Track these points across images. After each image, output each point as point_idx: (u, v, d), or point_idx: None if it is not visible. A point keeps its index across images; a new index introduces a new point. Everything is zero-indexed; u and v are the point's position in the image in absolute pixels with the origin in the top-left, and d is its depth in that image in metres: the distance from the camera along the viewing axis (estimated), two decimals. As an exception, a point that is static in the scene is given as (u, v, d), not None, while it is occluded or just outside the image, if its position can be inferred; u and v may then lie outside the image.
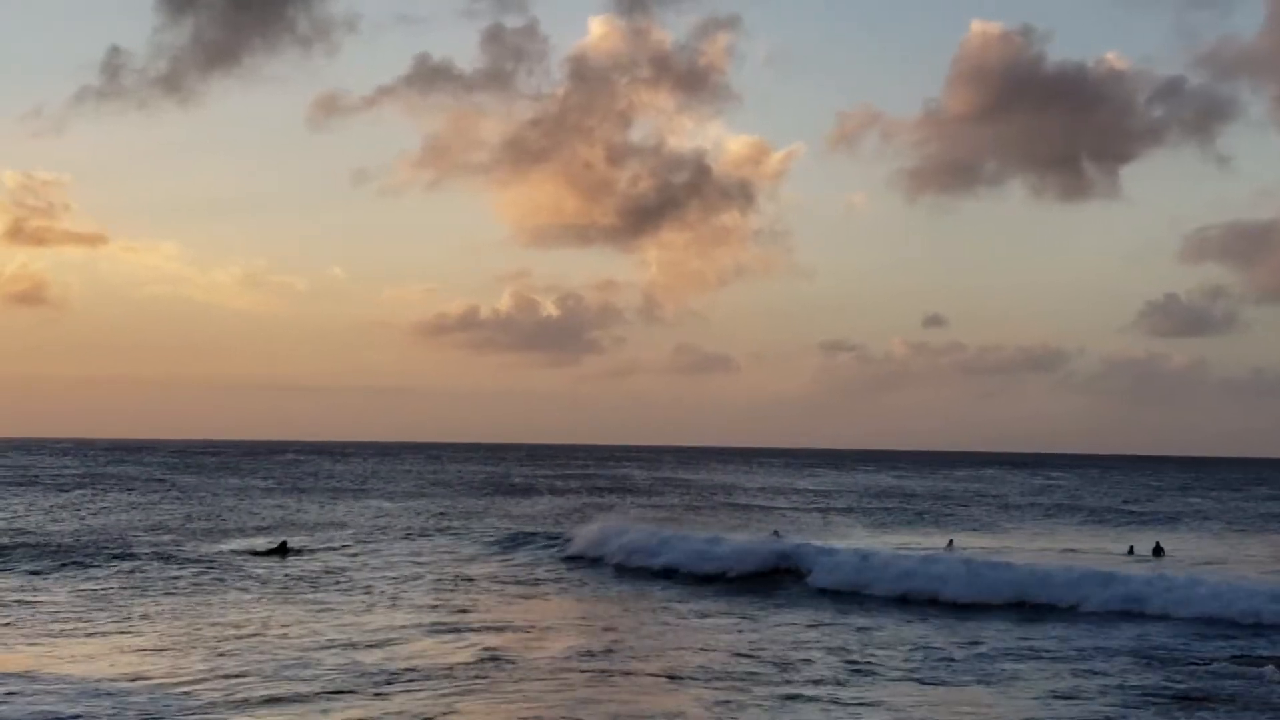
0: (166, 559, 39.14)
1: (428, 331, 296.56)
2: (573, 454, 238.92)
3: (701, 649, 23.86)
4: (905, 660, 23.00)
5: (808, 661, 22.63)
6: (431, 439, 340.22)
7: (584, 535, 39.84)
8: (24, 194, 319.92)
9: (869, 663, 22.55)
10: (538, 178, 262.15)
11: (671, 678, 20.79)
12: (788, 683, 20.47)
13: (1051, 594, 30.82)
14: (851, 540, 51.73)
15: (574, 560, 37.99)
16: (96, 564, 37.69)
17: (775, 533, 52.86)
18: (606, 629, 26.39)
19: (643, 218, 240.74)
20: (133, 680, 19.88)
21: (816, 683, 20.53)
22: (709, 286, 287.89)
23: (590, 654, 22.98)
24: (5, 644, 23.57)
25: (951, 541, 47.10)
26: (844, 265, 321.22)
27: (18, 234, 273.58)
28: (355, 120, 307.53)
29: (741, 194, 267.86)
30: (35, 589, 31.88)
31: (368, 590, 32.83)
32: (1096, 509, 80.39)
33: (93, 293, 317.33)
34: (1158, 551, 46.17)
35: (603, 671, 21.22)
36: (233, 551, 42.11)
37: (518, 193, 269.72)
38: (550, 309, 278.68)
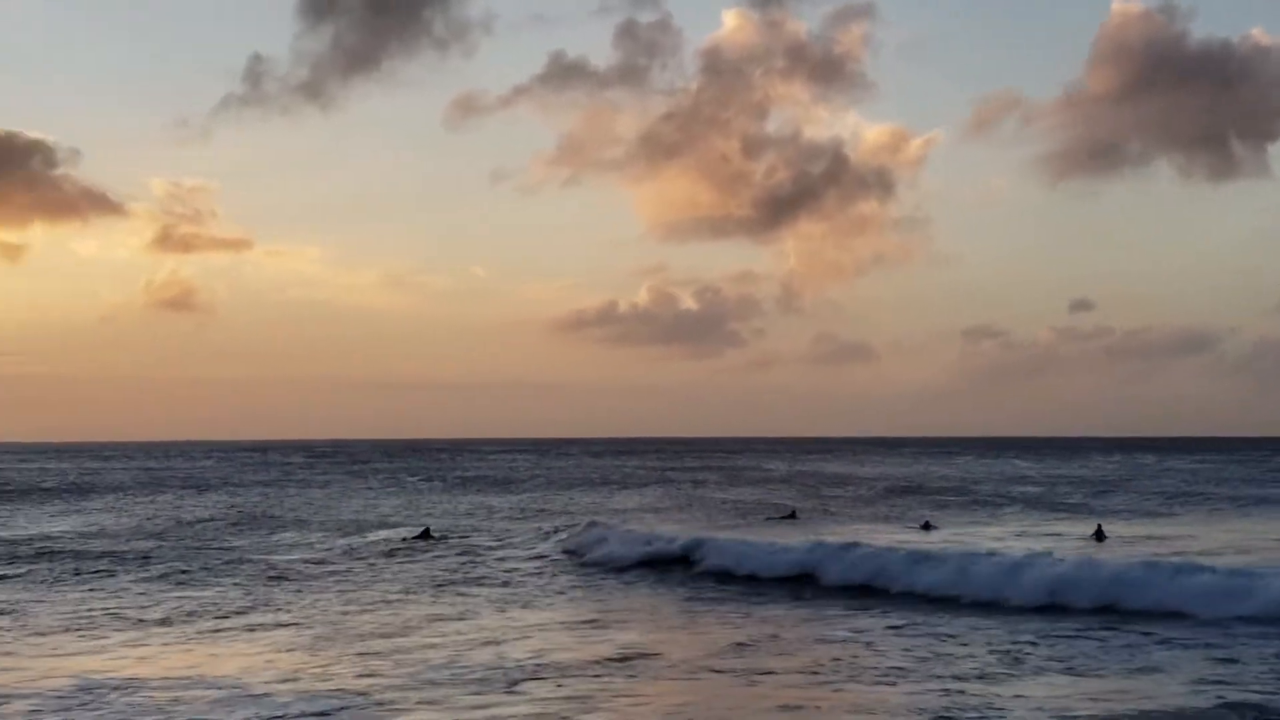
0: (312, 551, 39.93)
1: (566, 327, 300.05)
2: (712, 447, 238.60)
3: (824, 644, 23.49)
4: (1050, 653, 22.33)
5: (949, 656, 22.10)
6: (572, 434, 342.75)
7: (709, 545, 38.33)
8: (172, 201, 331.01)
9: (1014, 655, 21.96)
10: (673, 172, 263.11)
11: (812, 674, 20.51)
12: (936, 677, 20.03)
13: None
14: (1004, 527, 50.91)
15: (695, 561, 37.20)
16: (249, 560, 38.59)
17: (926, 523, 52.17)
18: (735, 627, 26.16)
19: (779, 209, 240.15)
20: (284, 682, 20.19)
21: (974, 678, 20.02)
22: (847, 276, 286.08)
23: (725, 652, 22.79)
24: (166, 644, 24.19)
25: (1100, 528, 45.80)
26: (986, 251, 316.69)
27: (166, 240, 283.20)
28: (492, 120, 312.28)
29: (880, 182, 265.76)
30: (191, 586, 32.71)
31: (505, 583, 33.15)
32: (1260, 496, 77.71)
33: (239, 297, 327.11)
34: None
35: (745, 671, 21.01)
36: (381, 540, 43.27)
37: (653, 187, 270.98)
38: (688, 302, 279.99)
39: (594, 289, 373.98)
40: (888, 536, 46.69)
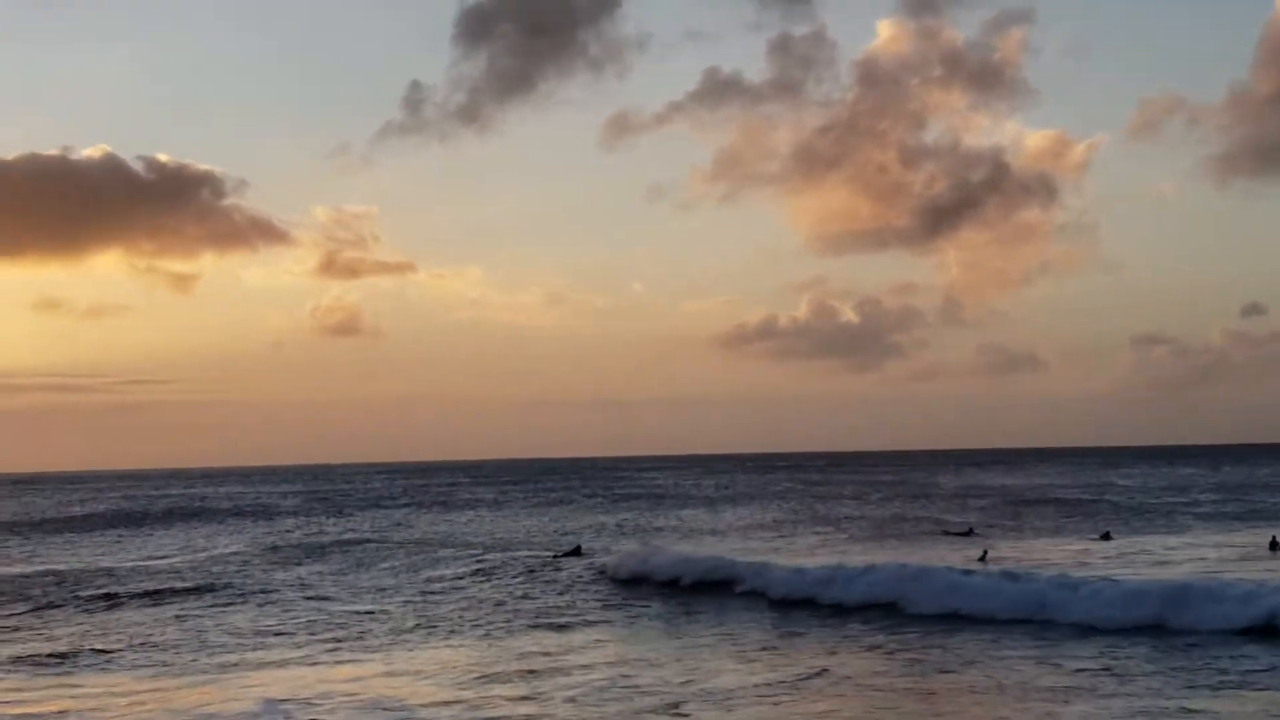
0: (473, 569, 40.37)
1: (727, 342, 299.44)
2: (876, 460, 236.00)
3: (1002, 662, 22.84)
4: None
5: (1123, 676, 21.28)
6: (734, 450, 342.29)
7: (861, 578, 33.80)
8: (336, 228, 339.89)
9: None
10: (831, 184, 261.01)
11: (1001, 689, 20.00)
12: (1114, 695, 19.33)
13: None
14: (1180, 537, 49.29)
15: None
16: (412, 578, 39.18)
17: (1106, 533, 50.75)
18: (895, 653, 25.62)
19: (939, 218, 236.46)
20: (447, 705, 20.32)
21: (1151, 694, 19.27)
22: (1011, 285, 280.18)
23: (899, 668, 22.36)
24: (339, 662, 24.62)
25: (1275, 539, 43.89)
26: (1153, 256, 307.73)
27: (331, 266, 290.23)
28: (647, 138, 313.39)
29: (1043, 189, 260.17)
30: (359, 602, 33.31)
31: (647, 603, 32.96)
32: None
33: (403, 320, 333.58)
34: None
35: (924, 690, 20.57)
36: (536, 557, 44.39)
37: (811, 200, 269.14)
38: (849, 315, 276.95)
39: (753, 303, 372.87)
40: (1066, 548, 45.53)
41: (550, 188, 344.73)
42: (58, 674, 24.61)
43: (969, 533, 54.08)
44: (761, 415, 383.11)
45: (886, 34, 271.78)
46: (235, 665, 24.89)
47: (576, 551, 46.69)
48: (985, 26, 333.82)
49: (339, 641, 27.77)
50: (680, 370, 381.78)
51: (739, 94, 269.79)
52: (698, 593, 35.14)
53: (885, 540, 52.01)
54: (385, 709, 19.84)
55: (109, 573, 44.85)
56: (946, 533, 55.02)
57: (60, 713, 20.49)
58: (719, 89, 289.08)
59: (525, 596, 35.45)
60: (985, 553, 42.47)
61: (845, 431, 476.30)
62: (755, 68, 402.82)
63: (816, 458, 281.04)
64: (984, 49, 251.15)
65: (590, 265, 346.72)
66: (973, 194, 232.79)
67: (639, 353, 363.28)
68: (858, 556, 40.60)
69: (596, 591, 36.04)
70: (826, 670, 22.43)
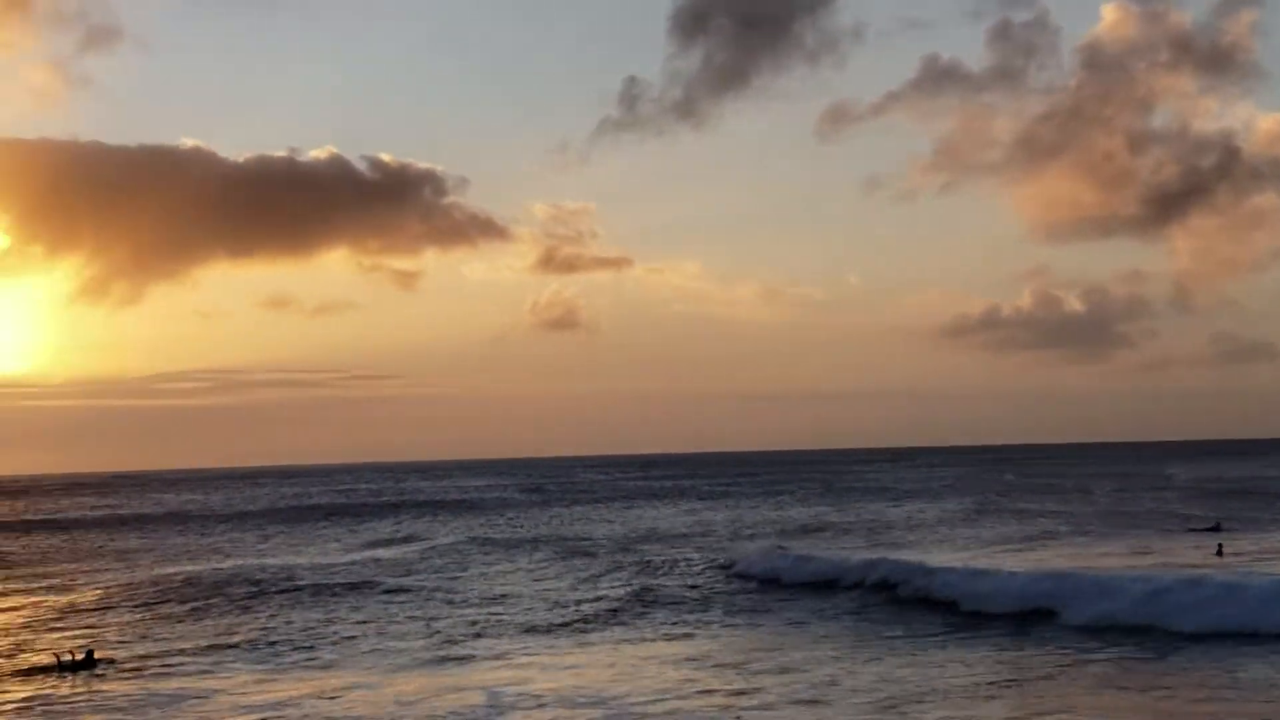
0: (690, 563, 40.46)
1: (948, 334, 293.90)
2: (1104, 452, 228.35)
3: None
4: None
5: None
6: (956, 443, 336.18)
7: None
8: (554, 224, 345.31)
9: None
10: (1054, 172, 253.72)
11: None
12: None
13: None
14: None
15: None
16: (628, 572, 39.53)
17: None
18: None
19: (1168, 205, 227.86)
20: (660, 698, 20.38)
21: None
22: (1244, 271, 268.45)
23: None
24: (554, 648, 25.06)
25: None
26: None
27: (550, 262, 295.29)
28: (864, 128, 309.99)
29: (1277, 173, 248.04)
30: (579, 590, 33.80)
31: (866, 603, 32.43)
32: None
33: (621, 313, 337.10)
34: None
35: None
36: (754, 550, 41.75)
37: (1033, 188, 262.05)
38: (1073, 304, 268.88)
39: (974, 294, 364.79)
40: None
41: (766, 181, 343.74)
42: (292, 663, 25.70)
43: (1215, 528, 50.89)
44: (984, 407, 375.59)
45: (1111, 18, 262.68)
46: (458, 658, 25.55)
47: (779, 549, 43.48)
48: (1213, 9, 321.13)
49: (555, 632, 28.26)
50: (899, 363, 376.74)
51: (958, 82, 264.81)
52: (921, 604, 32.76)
53: (1126, 535, 49.87)
54: (603, 702, 20.10)
55: (330, 567, 46.56)
56: (1192, 529, 52.13)
57: (298, 699, 21.42)
58: (938, 77, 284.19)
59: (740, 591, 35.44)
60: (1220, 546, 40.68)
61: (1070, 423, 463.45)
62: (974, 55, 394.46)
63: (1042, 450, 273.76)
64: (1213, 31, 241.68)
65: (807, 258, 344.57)
66: (1203, 179, 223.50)
67: (857, 346, 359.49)
68: (1101, 553, 39.33)
69: (816, 593, 35.79)
70: (1051, 677, 21.77)
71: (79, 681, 24.69)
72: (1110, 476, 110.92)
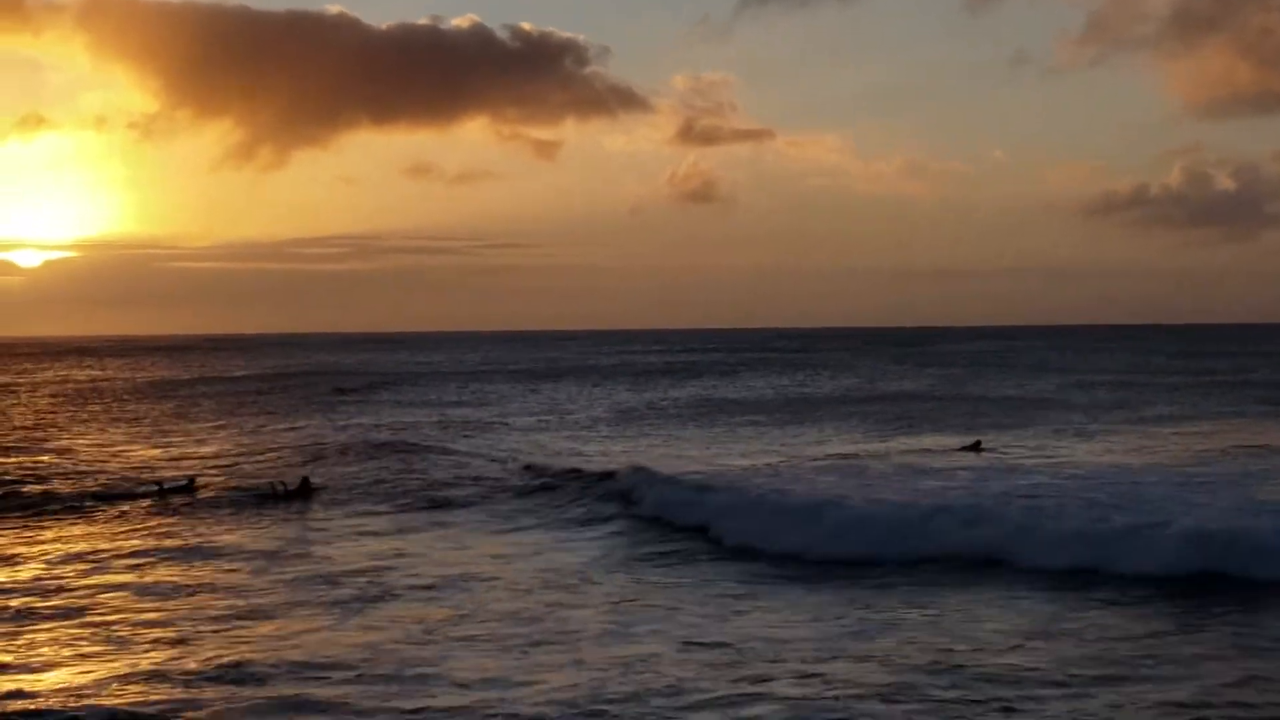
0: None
1: (1094, 211, 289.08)
2: (1254, 333, 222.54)
3: None
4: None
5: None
6: (1102, 320, 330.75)
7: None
8: (693, 96, 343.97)
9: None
10: (1208, 48, 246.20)
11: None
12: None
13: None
14: None
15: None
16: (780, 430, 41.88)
17: None
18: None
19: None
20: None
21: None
22: None
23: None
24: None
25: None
26: None
27: (688, 134, 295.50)
28: (1013, 1, 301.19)
29: None
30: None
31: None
32: None
33: (759, 187, 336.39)
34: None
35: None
36: (926, 450, 37.38)
37: (1186, 64, 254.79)
38: (1225, 182, 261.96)
39: (1122, 171, 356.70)
40: None
41: (911, 54, 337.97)
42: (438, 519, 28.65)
43: None
44: (1130, 286, 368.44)
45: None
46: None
47: (975, 447, 37.07)
48: None
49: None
50: (1043, 240, 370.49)
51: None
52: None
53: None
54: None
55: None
56: None
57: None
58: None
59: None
60: None
61: (1219, 303, 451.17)
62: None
63: (1187, 330, 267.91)
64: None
65: (951, 132, 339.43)
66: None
67: (1000, 222, 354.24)
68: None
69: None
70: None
71: (295, 509, 27.94)
72: (1269, 355, 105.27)
